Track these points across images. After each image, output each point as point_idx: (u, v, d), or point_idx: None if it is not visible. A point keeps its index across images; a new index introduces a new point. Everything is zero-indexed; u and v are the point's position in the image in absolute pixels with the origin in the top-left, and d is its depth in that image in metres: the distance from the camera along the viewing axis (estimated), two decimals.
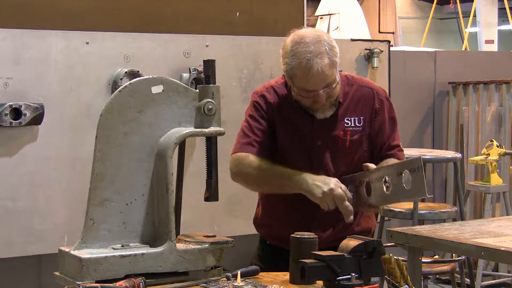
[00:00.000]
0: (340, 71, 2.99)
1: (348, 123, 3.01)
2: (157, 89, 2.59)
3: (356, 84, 3.07)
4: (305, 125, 3.00)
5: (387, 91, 5.07)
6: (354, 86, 3.06)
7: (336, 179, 2.86)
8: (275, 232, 3.10)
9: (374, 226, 3.22)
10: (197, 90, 2.65)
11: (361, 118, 3.02)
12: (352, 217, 2.84)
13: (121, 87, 2.58)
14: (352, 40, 5.05)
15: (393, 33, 15.01)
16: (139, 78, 2.67)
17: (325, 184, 2.83)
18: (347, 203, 2.82)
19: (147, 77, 2.64)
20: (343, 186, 2.84)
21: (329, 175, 2.95)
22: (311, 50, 2.83)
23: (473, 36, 13.71)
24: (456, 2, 13.78)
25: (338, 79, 2.92)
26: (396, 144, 3.08)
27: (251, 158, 2.98)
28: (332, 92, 2.92)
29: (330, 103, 2.96)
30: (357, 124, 3.02)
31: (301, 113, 3.00)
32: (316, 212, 2.96)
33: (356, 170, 2.95)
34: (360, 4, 10.08)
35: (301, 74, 2.86)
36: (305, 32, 2.91)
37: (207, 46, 4.37)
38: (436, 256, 6.07)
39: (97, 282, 2.37)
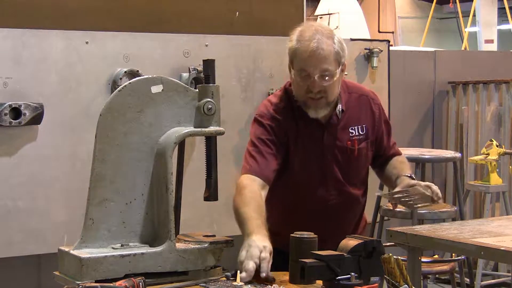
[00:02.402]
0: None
1: (352, 133, 3.01)
2: (156, 89, 2.59)
3: (354, 92, 3.07)
4: (317, 139, 2.96)
5: (387, 91, 5.10)
6: (353, 95, 3.05)
7: (260, 250, 2.51)
8: (275, 233, 3.10)
9: (366, 222, 3.24)
10: (197, 90, 2.65)
11: (363, 126, 3.03)
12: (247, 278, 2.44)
13: (121, 86, 2.58)
14: (352, 39, 5.04)
15: (392, 32, 15.02)
16: (139, 77, 2.67)
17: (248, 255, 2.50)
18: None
19: (147, 76, 2.64)
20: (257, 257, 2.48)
21: (339, 186, 2.98)
22: (318, 37, 2.85)
23: (473, 36, 13.70)
24: (455, 2, 13.78)
25: (338, 77, 2.88)
26: (393, 142, 3.16)
27: (243, 184, 2.82)
28: (329, 89, 2.87)
29: (325, 103, 2.92)
30: (361, 133, 3.02)
31: (313, 126, 2.95)
32: (317, 213, 2.96)
33: (363, 179, 3.03)
34: (360, 3, 10.07)
35: (301, 52, 2.85)
36: (319, 23, 2.92)
37: (206, 45, 4.37)
38: (436, 256, 6.06)
39: (96, 281, 2.38)
